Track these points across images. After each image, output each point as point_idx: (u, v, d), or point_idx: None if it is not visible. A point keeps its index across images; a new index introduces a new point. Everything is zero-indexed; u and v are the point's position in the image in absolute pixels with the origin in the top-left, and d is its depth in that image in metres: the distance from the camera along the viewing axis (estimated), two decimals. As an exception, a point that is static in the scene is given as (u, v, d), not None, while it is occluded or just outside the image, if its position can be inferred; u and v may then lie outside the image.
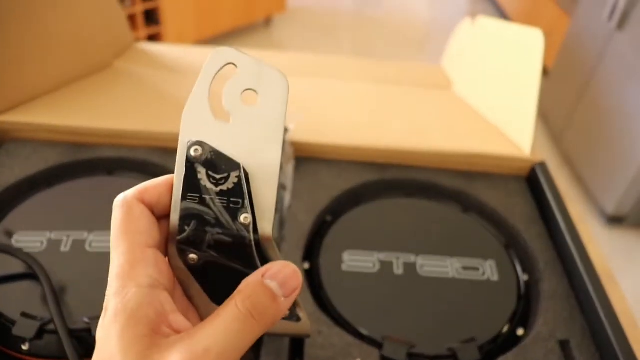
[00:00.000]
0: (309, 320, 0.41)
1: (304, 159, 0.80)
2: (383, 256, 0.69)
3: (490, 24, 1.00)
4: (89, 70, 0.95)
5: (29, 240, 0.68)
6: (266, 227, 0.36)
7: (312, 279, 0.66)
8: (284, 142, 0.77)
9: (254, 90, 0.36)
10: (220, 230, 0.36)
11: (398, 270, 0.67)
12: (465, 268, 0.68)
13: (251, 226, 0.35)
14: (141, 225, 0.36)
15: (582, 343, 0.61)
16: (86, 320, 0.60)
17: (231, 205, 0.35)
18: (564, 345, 0.60)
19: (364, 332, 0.61)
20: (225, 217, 0.35)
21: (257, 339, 0.33)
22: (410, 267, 0.68)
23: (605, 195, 2.31)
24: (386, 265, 0.68)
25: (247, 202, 0.35)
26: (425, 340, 0.60)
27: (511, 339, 0.62)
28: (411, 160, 0.82)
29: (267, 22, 3.97)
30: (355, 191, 0.77)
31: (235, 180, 0.35)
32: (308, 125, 0.82)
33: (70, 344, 0.57)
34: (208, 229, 0.36)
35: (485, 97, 0.94)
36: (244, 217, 0.35)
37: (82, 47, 0.93)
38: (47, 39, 0.86)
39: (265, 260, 0.36)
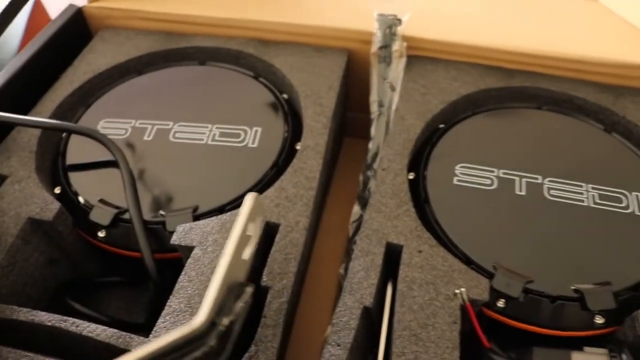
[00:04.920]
0: None
1: (416, 57, 0.69)
2: (503, 173, 0.58)
3: None
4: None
5: (114, 127, 0.64)
6: None
7: (417, 190, 0.57)
8: (394, 35, 0.66)
9: None
10: None
11: (520, 190, 0.57)
12: (603, 197, 0.56)
13: None
14: None
15: None
16: (162, 213, 0.54)
17: None
18: None
19: (473, 257, 0.51)
20: None
21: None
22: (535, 189, 0.57)
23: None
24: (506, 183, 0.57)
25: None
26: (546, 275, 0.50)
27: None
28: (544, 67, 0.68)
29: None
30: (474, 97, 0.66)
31: None
32: (423, 18, 0.70)
33: (144, 236, 0.52)
34: None
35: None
36: None
37: None
38: None
39: None
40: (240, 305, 0.40)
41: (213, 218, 0.52)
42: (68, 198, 0.58)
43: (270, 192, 0.55)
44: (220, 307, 0.39)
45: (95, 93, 0.69)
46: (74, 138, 0.63)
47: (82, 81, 0.68)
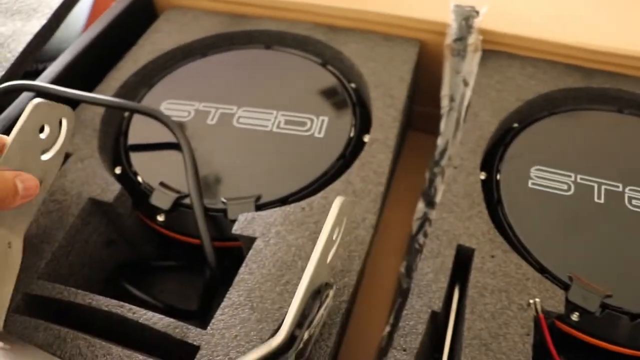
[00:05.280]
0: None
1: (492, 52, 0.66)
2: (580, 178, 0.55)
3: None
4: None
5: (177, 109, 0.62)
6: None
7: (489, 192, 0.54)
8: (470, 28, 0.63)
9: None
10: None
11: (599, 198, 0.53)
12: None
13: None
14: None
15: None
16: (224, 200, 0.53)
17: None
18: None
19: (547, 265, 0.48)
20: None
21: None
22: (615, 197, 0.53)
23: None
24: (584, 190, 0.54)
25: None
26: (625, 291, 0.47)
27: None
28: (627, 68, 0.64)
29: None
30: (552, 97, 0.62)
31: None
32: (501, 11, 0.67)
33: (205, 223, 0.51)
34: None
35: None
36: None
37: None
38: None
39: None
40: (321, 312, 0.41)
41: (277, 209, 0.51)
42: (128, 179, 0.57)
43: (336, 185, 0.53)
44: (303, 316, 0.39)
45: (159, 73, 0.68)
46: (136, 118, 0.62)
47: (146, 61, 0.68)
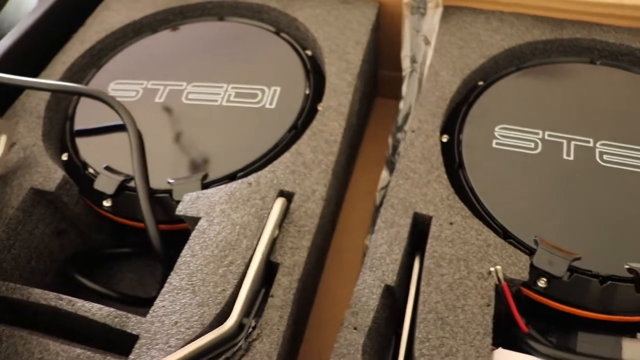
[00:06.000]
0: None
1: (455, 8, 0.62)
2: (549, 135, 0.51)
3: None
4: None
5: (125, 89, 0.60)
6: None
7: (450, 155, 0.51)
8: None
9: None
10: None
11: (568, 155, 0.50)
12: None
13: None
14: None
15: None
16: (170, 181, 0.50)
17: None
18: None
19: (512, 230, 0.45)
20: None
21: None
22: (585, 153, 0.50)
23: None
24: (552, 147, 0.50)
25: None
26: (596, 252, 0.44)
27: None
28: (599, 16, 0.60)
29: None
30: (518, 51, 0.59)
31: None
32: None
33: (149, 205, 0.48)
34: None
35: None
36: None
37: None
38: None
39: None
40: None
41: (222, 186, 0.48)
42: (75, 165, 0.54)
43: (285, 157, 0.50)
44: (249, 308, 0.40)
45: (108, 53, 0.65)
46: (83, 102, 0.59)
47: (94, 41, 0.64)
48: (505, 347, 0.41)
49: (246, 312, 0.40)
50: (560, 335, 0.44)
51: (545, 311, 0.44)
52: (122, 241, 0.59)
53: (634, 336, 0.43)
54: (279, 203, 0.43)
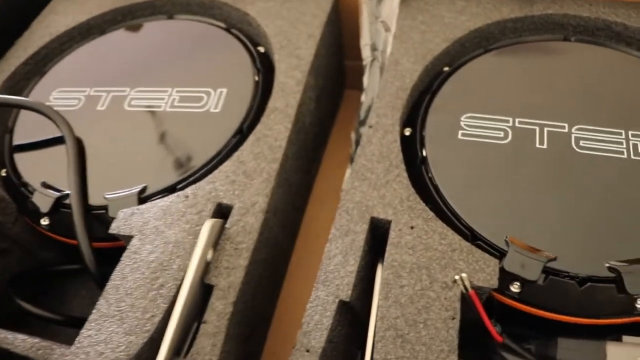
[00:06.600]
0: None
1: (416, -10, 0.58)
2: (519, 122, 0.47)
3: None
4: None
5: (66, 97, 0.56)
6: None
7: (412, 150, 0.47)
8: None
9: None
10: None
11: (541, 143, 0.46)
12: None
13: None
14: None
15: None
16: (106, 196, 0.46)
17: None
18: None
19: (480, 231, 0.41)
20: None
21: None
22: (560, 140, 0.45)
23: None
24: (523, 135, 0.46)
25: None
26: (573, 252, 0.39)
27: None
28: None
29: None
30: (486, 32, 0.54)
31: None
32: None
33: (82, 223, 0.44)
34: None
35: None
36: None
37: None
38: None
39: None
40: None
41: (157, 201, 0.44)
42: (12, 182, 0.51)
43: (226, 166, 0.45)
44: (180, 343, 0.37)
45: (53, 59, 0.61)
46: (24, 114, 0.56)
47: (38, 47, 0.61)
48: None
49: (176, 348, 0.36)
50: (539, 342, 0.40)
51: (522, 317, 0.40)
52: (72, 258, 0.55)
53: (619, 340, 0.39)
54: (208, 225, 0.39)
